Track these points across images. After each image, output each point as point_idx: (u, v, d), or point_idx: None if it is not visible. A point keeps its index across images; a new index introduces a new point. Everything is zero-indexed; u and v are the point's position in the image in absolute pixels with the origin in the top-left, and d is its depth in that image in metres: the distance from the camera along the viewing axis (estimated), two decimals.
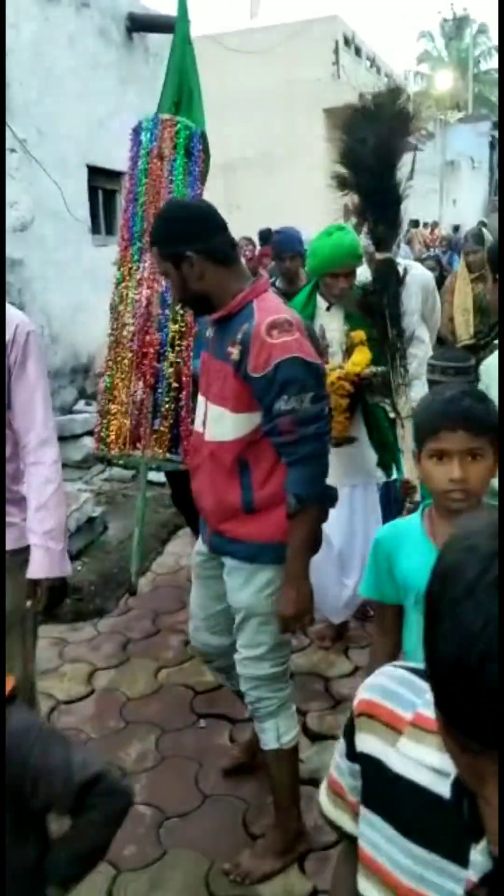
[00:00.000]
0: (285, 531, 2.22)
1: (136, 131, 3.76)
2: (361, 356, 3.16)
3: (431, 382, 3.21)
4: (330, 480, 2.65)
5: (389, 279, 3.05)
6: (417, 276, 4.36)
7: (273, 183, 15.45)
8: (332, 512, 3.09)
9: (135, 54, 7.95)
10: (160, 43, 7.52)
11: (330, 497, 2.32)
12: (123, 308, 3.70)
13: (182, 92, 4.07)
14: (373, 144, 2.94)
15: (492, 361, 2.55)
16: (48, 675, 3.56)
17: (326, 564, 3.29)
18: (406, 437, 2.85)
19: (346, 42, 17.92)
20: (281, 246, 4.71)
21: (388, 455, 3.36)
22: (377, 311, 3.07)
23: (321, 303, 3.28)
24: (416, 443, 1.72)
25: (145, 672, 3.60)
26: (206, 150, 3.77)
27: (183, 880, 2.46)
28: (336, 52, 16.72)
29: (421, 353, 4.25)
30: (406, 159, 3.16)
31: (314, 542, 2.30)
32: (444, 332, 5.49)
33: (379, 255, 3.10)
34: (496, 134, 30.20)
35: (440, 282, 6.06)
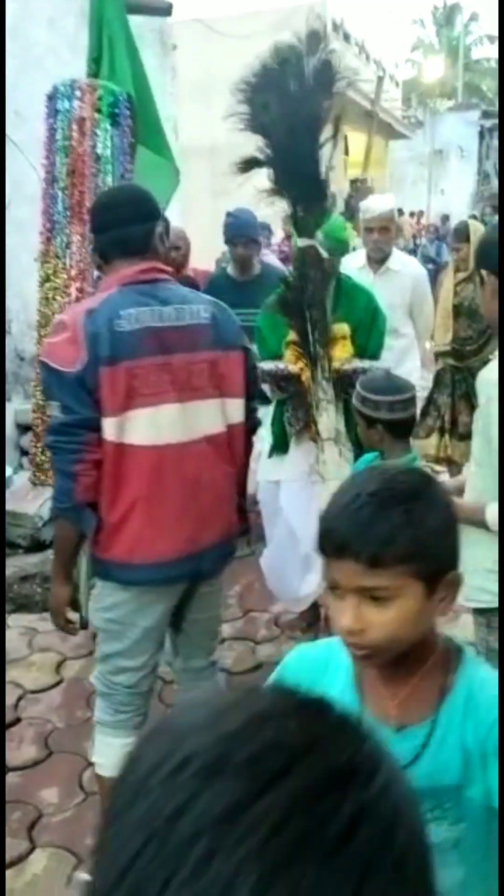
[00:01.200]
0: (97, 544, 2.22)
1: (51, 98, 3.17)
2: (342, 351, 3.14)
3: (374, 420, 2.46)
4: (292, 475, 2.72)
5: (311, 271, 2.81)
6: (411, 270, 4.35)
7: (260, 169, 15.31)
8: (302, 506, 3.12)
9: (85, 36, 7.84)
10: (143, 25, 7.43)
11: (79, 519, 2.13)
12: (50, 313, 3.14)
13: (102, 45, 3.58)
14: (278, 109, 2.63)
15: (489, 376, 2.08)
16: (17, 664, 3.56)
17: (291, 557, 3.29)
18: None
19: (335, 28, 17.78)
20: (231, 231, 4.20)
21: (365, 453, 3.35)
22: (296, 309, 2.85)
23: None
24: None
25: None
26: (133, 117, 3.28)
27: None
28: (325, 38, 16.60)
29: (401, 344, 4.23)
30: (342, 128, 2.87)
31: (64, 550, 2.21)
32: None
33: (300, 243, 2.82)
34: (486, 123, 30.17)
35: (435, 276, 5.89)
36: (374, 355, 3.19)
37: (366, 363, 3.07)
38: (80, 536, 2.19)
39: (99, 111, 3.13)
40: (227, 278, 4.29)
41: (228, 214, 4.24)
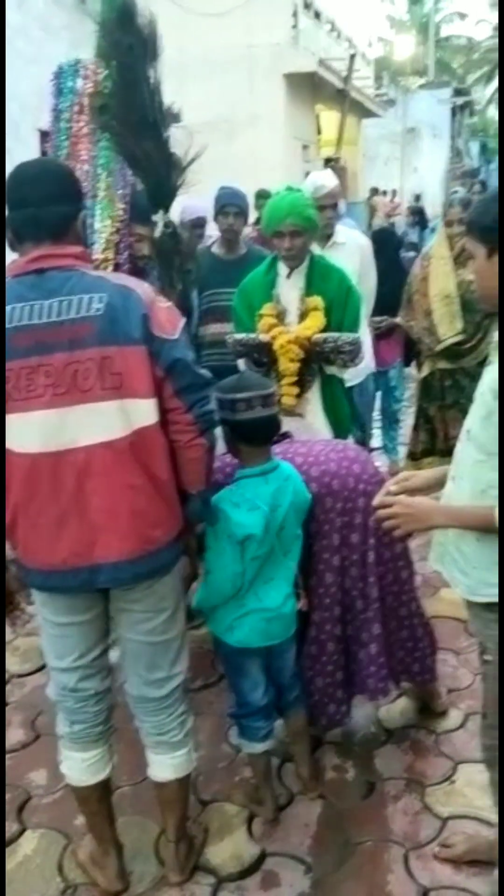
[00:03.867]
0: None
1: (57, 76, 3.08)
2: (314, 321, 3.15)
3: (238, 424, 2.36)
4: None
5: (171, 253, 2.99)
6: (357, 240, 4.35)
7: (233, 148, 15.27)
8: None
9: (87, 18, 7.79)
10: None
11: None
12: None
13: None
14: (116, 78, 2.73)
15: (491, 378, 1.89)
16: None
17: None
18: None
19: (306, 6, 17.66)
20: (223, 199, 4.22)
21: (341, 428, 3.37)
22: (165, 292, 2.90)
23: (282, 270, 3.26)
24: None
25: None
26: None
27: (133, 846, 2.51)
28: (295, 15, 16.49)
29: None
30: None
31: None
32: (418, 332, 4.51)
33: (160, 217, 2.96)
34: (457, 101, 30.16)
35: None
36: (351, 331, 3.20)
37: (336, 334, 3.10)
38: None
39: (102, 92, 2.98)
40: (212, 257, 4.26)
41: (221, 188, 4.28)
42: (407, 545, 2.74)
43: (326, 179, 4.02)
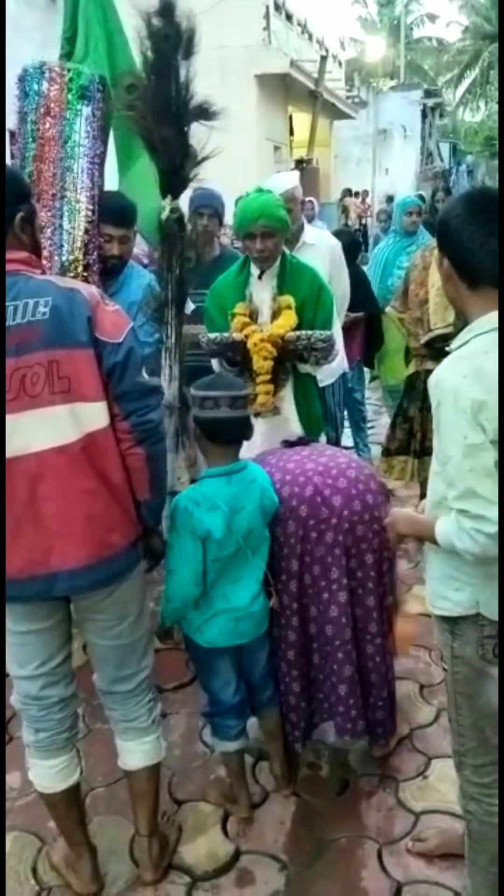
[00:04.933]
0: None
1: (22, 80, 3.05)
2: (286, 319, 3.16)
3: (203, 421, 2.39)
4: (251, 451, 2.66)
5: (175, 237, 3.09)
6: (326, 241, 4.35)
7: (204, 149, 15.22)
8: None
9: (57, 17, 7.74)
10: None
11: None
12: None
13: (78, 23, 3.54)
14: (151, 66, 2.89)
15: (444, 379, 1.81)
16: None
17: None
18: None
19: (277, 7, 17.71)
20: (198, 200, 4.21)
21: (313, 428, 3.38)
22: (162, 280, 3.12)
23: (254, 270, 3.26)
24: None
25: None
26: (107, 100, 3.14)
27: (108, 846, 2.51)
28: (266, 17, 16.53)
29: None
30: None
31: None
32: (409, 323, 4.41)
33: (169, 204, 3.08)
34: (428, 102, 30.37)
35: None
36: (323, 329, 3.21)
37: (309, 332, 3.11)
38: None
39: (69, 94, 3.05)
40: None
41: (195, 189, 4.27)
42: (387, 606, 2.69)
43: (280, 180, 4.01)
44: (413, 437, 4.45)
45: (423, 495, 2.47)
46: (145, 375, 2.05)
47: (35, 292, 1.93)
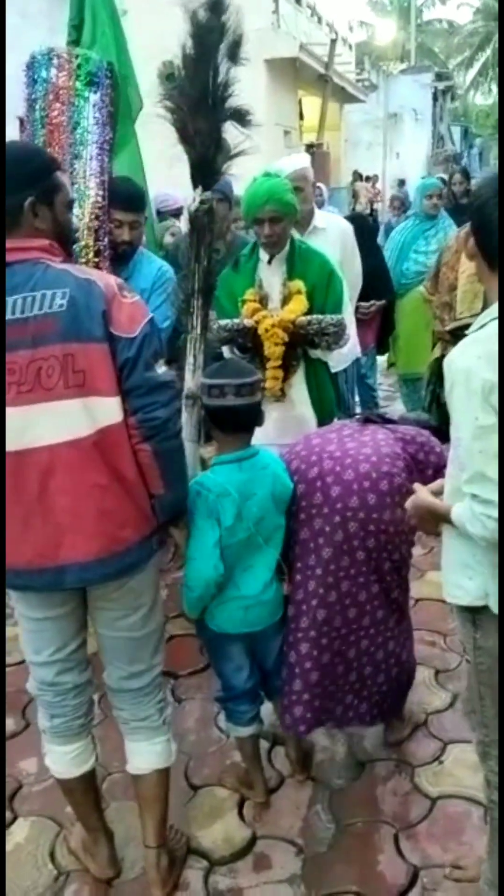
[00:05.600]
0: None
1: (30, 67, 3.05)
2: (297, 304, 3.14)
3: (210, 410, 2.39)
4: (262, 439, 2.64)
5: (204, 229, 3.10)
6: (337, 225, 4.32)
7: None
8: None
9: (65, 4, 7.73)
10: None
11: None
12: None
13: (84, 11, 3.59)
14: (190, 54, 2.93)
15: (460, 360, 1.80)
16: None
17: None
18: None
19: None
20: None
21: (326, 413, 3.37)
22: (189, 270, 3.13)
23: (263, 256, 3.24)
24: None
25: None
26: (114, 86, 3.16)
27: (125, 832, 2.51)
28: (276, 1, 16.41)
29: None
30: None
31: None
32: (437, 306, 4.34)
33: (202, 195, 3.09)
34: (439, 85, 30.10)
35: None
36: (334, 314, 3.19)
37: (320, 316, 3.09)
38: None
39: (77, 80, 3.04)
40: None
41: None
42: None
43: (287, 162, 3.97)
44: (447, 422, 4.34)
45: None
46: (158, 370, 1.99)
47: (53, 283, 1.90)
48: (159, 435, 1.98)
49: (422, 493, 2.04)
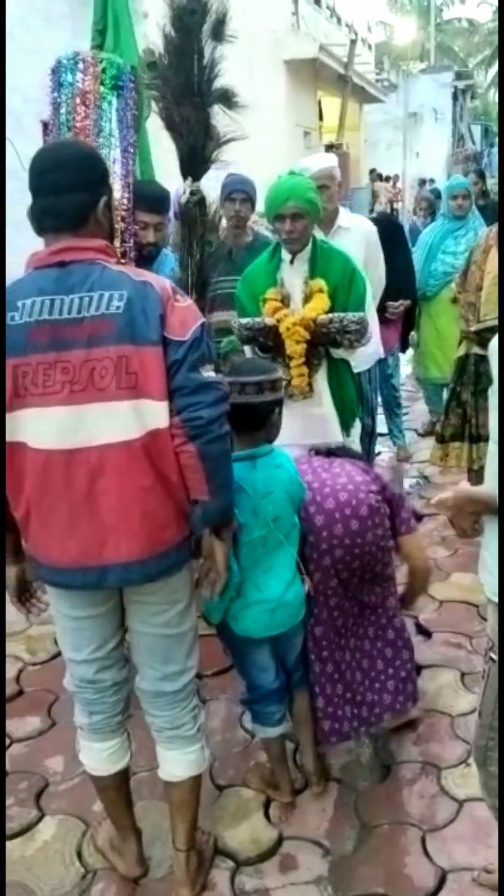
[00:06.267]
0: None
1: (55, 71, 3.08)
2: (318, 303, 3.13)
3: (241, 408, 2.30)
4: (286, 439, 2.64)
5: (195, 221, 3.06)
6: (361, 226, 4.30)
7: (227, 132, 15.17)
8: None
9: (88, 7, 7.77)
10: None
11: None
12: None
13: (108, 16, 3.64)
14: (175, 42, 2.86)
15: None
16: (16, 638, 3.60)
17: None
18: None
19: None
20: (231, 186, 4.23)
21: (348, 413, 3.36)
22: (183, 259, 3.13)
23: (285, 255, 3.24)
24: None
25: None
26: (139, 90, 3.18)
27: (151, 831, 2.52)
28: (295, 2, 16.41)
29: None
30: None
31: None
32: (463, 304, 4.30)
33: (191, 185, 3.04)
34: (459, 85, 29.96)
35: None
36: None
37: (342, 314, 3.08)
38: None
39: (102, 84, 3.05)
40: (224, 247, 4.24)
41: (228, 175, 4.28)
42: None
43: (313, 161, 3.96)
44: (468, 423, 4.33)
45: (474, 483, 2.39)
46: (203, 373, 1.97)
47: (110, 284, 1.91)
48: (204, 436, 1.95)
49: (463, 485, 2.03)
